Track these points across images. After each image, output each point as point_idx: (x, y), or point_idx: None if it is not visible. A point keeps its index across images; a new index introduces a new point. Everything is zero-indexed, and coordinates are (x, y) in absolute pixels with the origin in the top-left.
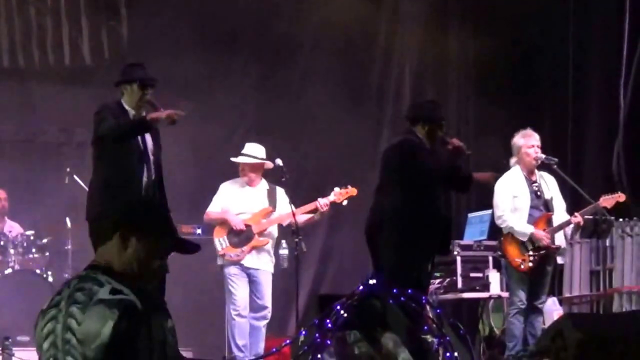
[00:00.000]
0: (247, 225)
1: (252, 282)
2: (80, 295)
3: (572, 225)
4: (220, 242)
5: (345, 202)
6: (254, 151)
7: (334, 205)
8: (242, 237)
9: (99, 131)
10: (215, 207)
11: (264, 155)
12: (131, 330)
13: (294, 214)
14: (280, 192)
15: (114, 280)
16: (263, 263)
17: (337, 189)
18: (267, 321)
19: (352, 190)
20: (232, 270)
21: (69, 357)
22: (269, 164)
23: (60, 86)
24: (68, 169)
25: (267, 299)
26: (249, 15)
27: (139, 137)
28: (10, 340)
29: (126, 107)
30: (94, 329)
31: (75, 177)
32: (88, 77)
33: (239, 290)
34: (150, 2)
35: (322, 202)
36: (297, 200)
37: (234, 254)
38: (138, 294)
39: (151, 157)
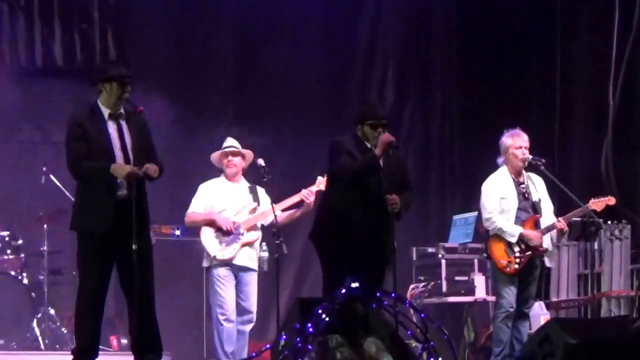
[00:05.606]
0: (235, 223)
1: (239, 284)
2: None
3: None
4: (210, 243)
5: None
6: (233, 144)
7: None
8: (232, 235)
9: None
10: (198, 208)
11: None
12: None
13: (273, 209)
14: (261, 191)
15: None
16: (252, 261)
17: (320, 178)
18: (252, 324)
19: None
20: (221, 272)
21: None
22: (250, 154)
23: (34, 86)
24: (44, 169)
25: (253, 301)
26: (226, 14)
27: (109, 136)
28: None
29: (101, 107)
30: None
31: (51, 176)
32: (60, 78)
33: (228, 293)
34: (123, 5)
35: (305, 192)
36: (277, 198)
37: (226, 254)
38: None
39: (131, 156)
